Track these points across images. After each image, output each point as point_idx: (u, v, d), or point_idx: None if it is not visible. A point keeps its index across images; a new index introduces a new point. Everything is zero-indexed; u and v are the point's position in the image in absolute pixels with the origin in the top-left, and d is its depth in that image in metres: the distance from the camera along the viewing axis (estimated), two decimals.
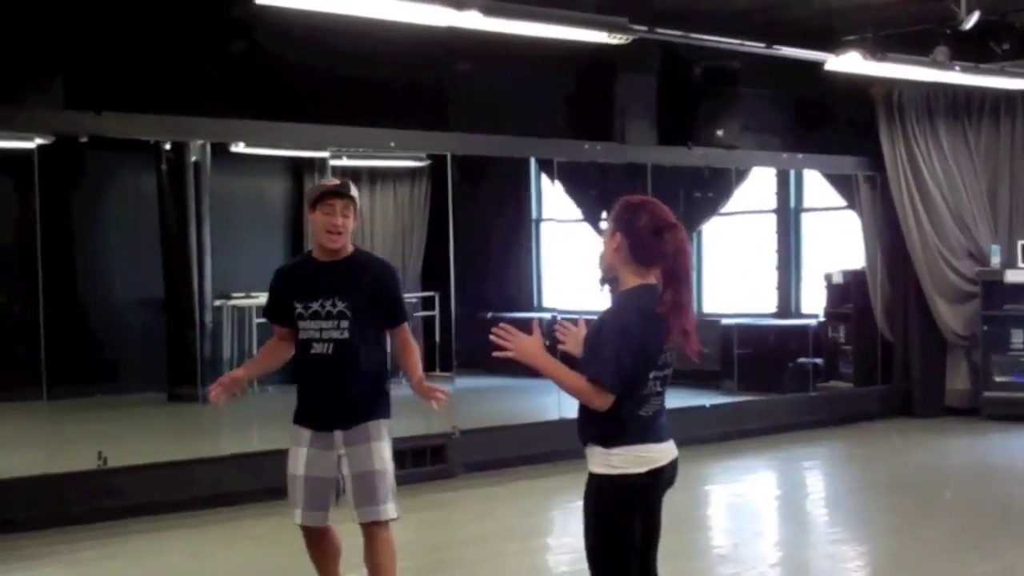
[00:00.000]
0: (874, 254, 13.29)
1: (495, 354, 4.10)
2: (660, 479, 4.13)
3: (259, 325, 13.02)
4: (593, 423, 4.05)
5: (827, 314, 13.78)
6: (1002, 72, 10.68)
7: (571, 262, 15.14)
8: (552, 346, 4.14)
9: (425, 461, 9.68)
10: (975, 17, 9.12)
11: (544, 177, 15.79)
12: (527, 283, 16.43)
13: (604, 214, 13.95)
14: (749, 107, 12.52)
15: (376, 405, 5.38)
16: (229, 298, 13.65)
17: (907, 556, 7.44)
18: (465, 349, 11.96)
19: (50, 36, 10.00)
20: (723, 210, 14.15)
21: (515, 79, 11.73)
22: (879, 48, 9.82)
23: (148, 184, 13.44)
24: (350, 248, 5.38)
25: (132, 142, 11.02)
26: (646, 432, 4.08)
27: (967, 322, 12.71)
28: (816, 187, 14.30)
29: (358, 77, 11.21)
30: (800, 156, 13.13)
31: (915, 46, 10.09)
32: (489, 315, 13.70)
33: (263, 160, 13.72)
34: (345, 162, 13.51)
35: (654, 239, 4.07)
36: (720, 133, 12.07)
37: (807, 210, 14.60)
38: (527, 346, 4.09)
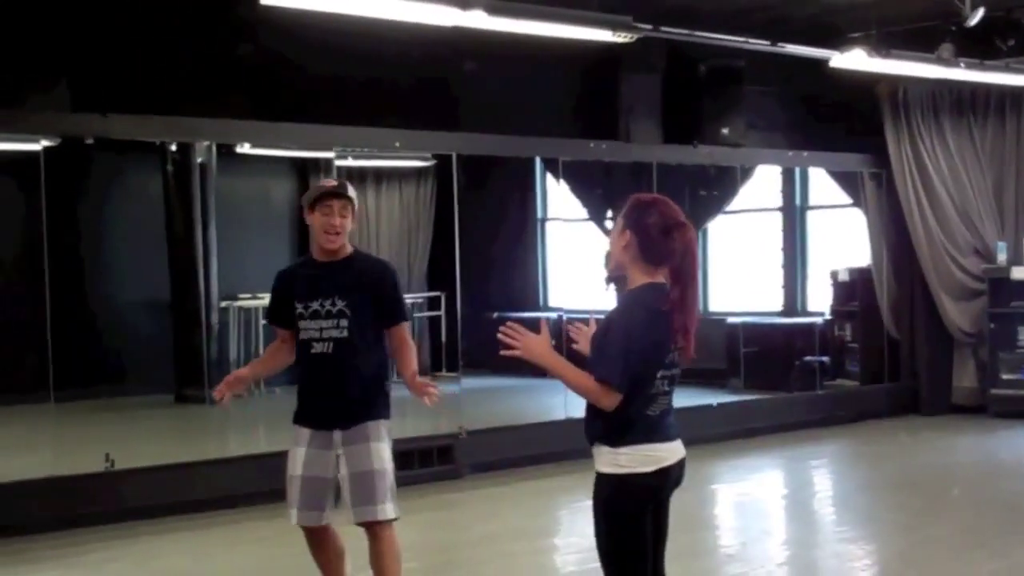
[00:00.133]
0: (880, 252, 13.27)
1: (503, 352, 4.10)
2: (668, 478, 4.12)
3: (265, 326, 13.00)
4: (600, 422, 4.04)
5: (833, 312, 13.77)
6: (1007, 68, 10.67)
7: (577, 261, 15.15)
8: (558, 346, 4.13)
9: (432, 462, 9.68)
10: (980, 13, 9.12)
11: (549, 176, 15.79)
12: (533, 283, 16.43)
13: (610, 213, 13.97)
14: (754, 105, 12.52)
15: (376, 405, 5.39)
16: (235, 299, 13.66)
17: (915, 554, 7.43)
18: (471, 349, 11.95)
19: (55, 39, 10.03)
20: (728, 208, 14.13)
21: (520, 78, 11.73)
22: (884, 45, 9.82)
23: (154, 185, 13.46)
24: (349, 248, 5.42)
25: (138, 144, 11.03)
26: (653, 431, 4.07)
27: (974, 319, 12.68)
28: (821, 185, 14.29)
29: (363, 77, 11.22)
30: (805, 154, 13.12)
31: (920, 43, 10.09)
32: (495, 315, 13.69)
33: (269, 161, 13.73)
34: (350, 162, 13.54)
35: (663, 238, 4.06)
36: (725, 131, 12.07)
37: (812, 208, 14.59)
38: (535, 345, 4.08)
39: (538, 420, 10.94)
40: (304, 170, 14.47)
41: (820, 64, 10.33)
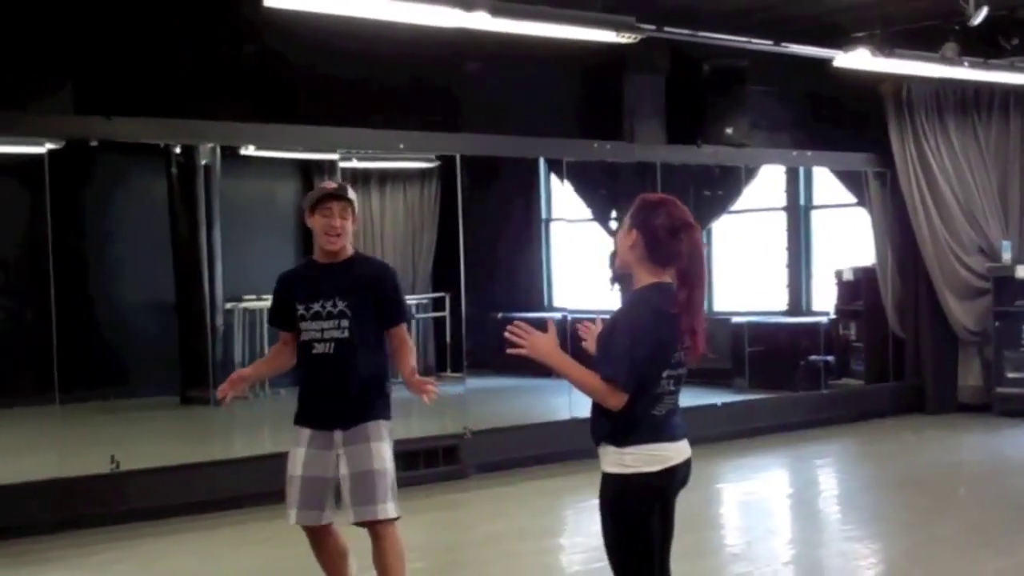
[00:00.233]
0: (884, 251, 13.26)
1: (509, 351, 4.10)
2: (674, 478, 4.11)
3: (270, 328, 13.02)
4: (606, 422, 4.04)
5: (838, 311, 13.76)
6: (1011, 67, 10.67)
7: (581, 262, 15.15)
8: (563, 345, 4.13)
9: (437, 462, 9.69)
10: (983, 12, 9.11)
11: (553, 177, 15.78)
12: (537, 283, 16.44)
13: (614, 213, 13.96)
14: (758, 105, 12.52)
15: (376, 405, 5.41)
16: (240, 301, 13.67)
17: (920, 553, 7.43)
18: (476, 350, 11.96)
19: (59, 42, 10.04)
20: (733, 208, 14.12)
21: (523, 79, 11.73)
22: (888, 44, 9.81)
23: (158, 188, 13.47)
24: (350, 250, 5.47)
25: (142, 146, 11.03)
26: (659, 431, 4.07)
27: (978, 318, 12.67)
28: (826, 184, 14.29)
29: (367, 79, 11.22)
30: (809, 153, 13.12)
31: (924, 42, 10.08)
32: (499, 316, 13.70)
33: (273, 163, 13.74)
34: (355, 164, 13.54)
35: (670, 238, 4.06)
36: (729, 131, 12.07)
37: (817, 207, 14.58)
38: (542, 344, 4.09)
39: (543, 420, 10.95)
40: (308, 172, 14.47)
41: (824, 64, 10.32)
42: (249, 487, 8.64)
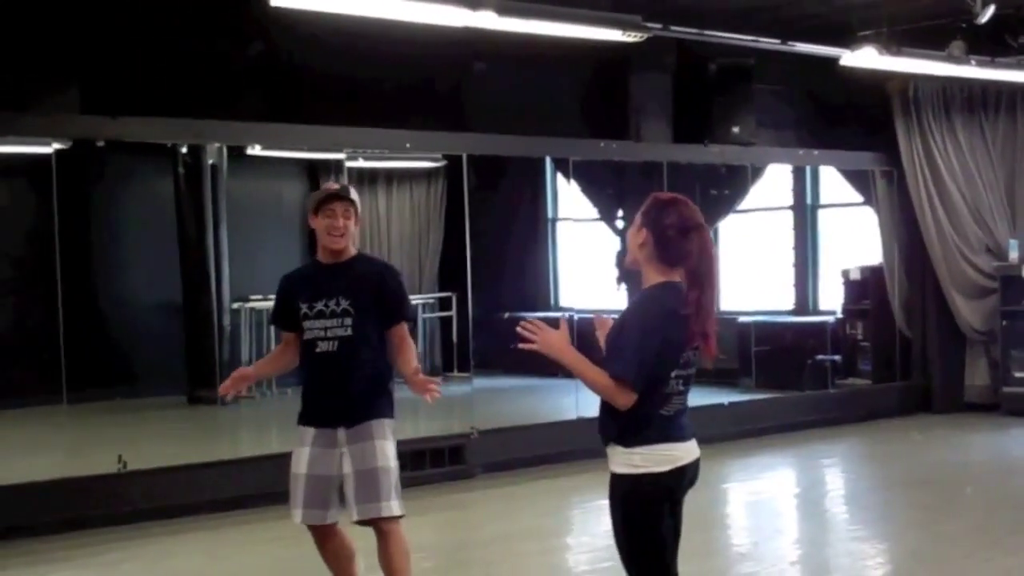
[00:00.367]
0: (891, 250, 13.25)
1: (521, 346, 4.09)
2: (683, 478, 4.11)
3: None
4: (614, 422, 4.04)
5: (845, 311, 13.74)
6: (1018, 65, 10.66)
7: (588, 261, 15.14)
8: (572, 343, 4.12)
9: (443, 462, 9.68)
10: (990, 11, 9.10)
11: (560, 176, 15.78)
12: (544, 283, 16.42)
13: (620, 212, 13.96)
14: (764, 104, 12.51)
15: (379, 404, 5.42)
16: (247, 301, 13.67)
17: (928, 552, 7.42)
18: (482, 349, 11.95)
19: (66, 41, 10.03)
20: (739, 207, 14.11)
21: (530, 79, 11.73)
22: (894, 43, 9.80)
23: (165, 187, 13.47)
24: (353, 251, 5.51)
25: (149, 146, 11.05)
26: (668, 431, 4.07)
27: (985, 317, 12.66)
28: (832, 183, 14.26)
29: (373, 78, 11.22)
30: (816, 152, 13.11)
31: (931, 40, 10.07)
32: (506, 315, 13.71)
33: (279, 162, 13.75)
34: (361, 164, 13.55)
35: (680, 238, 4.05)
36: (736, 130, 12.05)
37: (824, 206, 14.56)
38: (554, 340, 4.08)
39: (549, 420, 10.93)
40: (315, 172, 14.48)
41: (830, 62, 10.31)
42: (256, 487, 8.64)
